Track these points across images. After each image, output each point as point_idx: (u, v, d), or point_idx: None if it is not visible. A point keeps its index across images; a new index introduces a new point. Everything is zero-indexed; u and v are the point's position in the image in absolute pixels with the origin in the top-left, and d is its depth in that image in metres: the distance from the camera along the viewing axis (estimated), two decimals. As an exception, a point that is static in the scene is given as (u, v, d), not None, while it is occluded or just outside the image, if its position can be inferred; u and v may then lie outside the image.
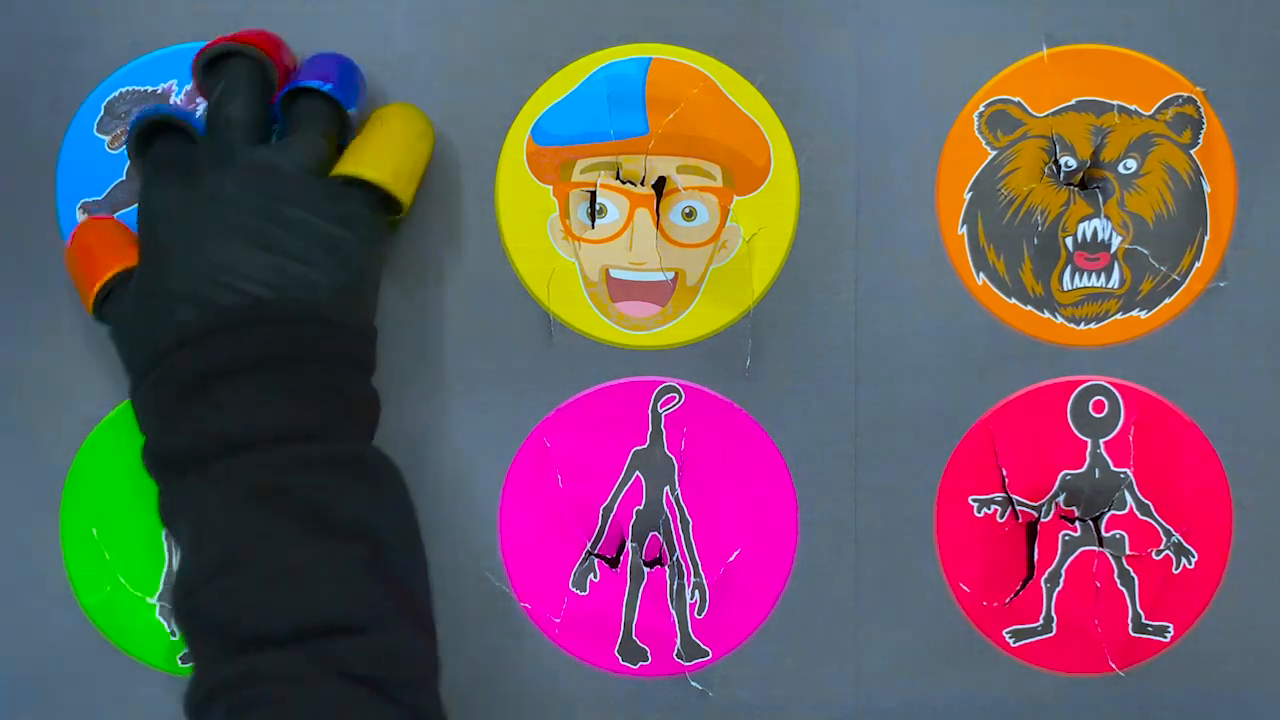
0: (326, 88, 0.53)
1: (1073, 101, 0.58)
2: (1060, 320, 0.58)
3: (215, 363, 0.48)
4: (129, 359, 0.51)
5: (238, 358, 0.48)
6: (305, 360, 0.49)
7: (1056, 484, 0.59)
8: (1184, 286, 0.58)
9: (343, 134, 0.54)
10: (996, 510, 0.59)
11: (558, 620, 0.59)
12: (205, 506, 0.47)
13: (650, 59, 0.58)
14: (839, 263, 0.58)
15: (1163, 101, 0.58)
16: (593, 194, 0.58)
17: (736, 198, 0.58)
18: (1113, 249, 0.58)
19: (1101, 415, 0.59)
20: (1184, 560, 0.59)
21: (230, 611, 0.45)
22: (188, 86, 0.57)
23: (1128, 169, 0.58)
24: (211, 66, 0.54)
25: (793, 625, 0.58)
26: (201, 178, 0.51)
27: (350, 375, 0.51)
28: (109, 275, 0.52)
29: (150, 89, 0.57)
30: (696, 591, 0.59)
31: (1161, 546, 0.59)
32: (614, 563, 0.59)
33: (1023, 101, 0.58)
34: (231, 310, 0.48)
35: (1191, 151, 0.58)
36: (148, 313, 0.50)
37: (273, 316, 0.49)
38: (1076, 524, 0.59)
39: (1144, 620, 0.59)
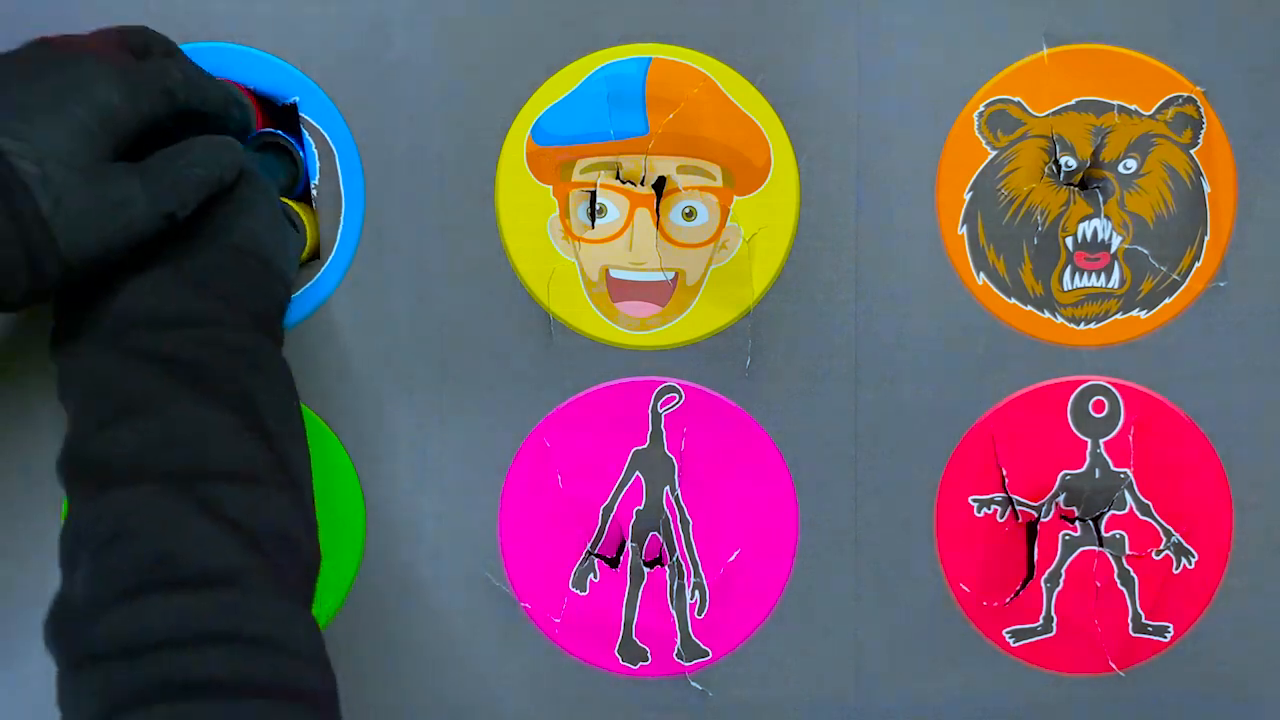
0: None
1: (1073, 101, 0.58)
2: (1060, 320, 0.58)
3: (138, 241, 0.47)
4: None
5: (156, 242, 0.48)
6: (215, 249, 0.49)
7: (1056, 484, 0.59)
8: (1184, 286, 0.58)
9: None
10: (996, 510, 0.59)
11: (558, 620, 0.59)
12: (98, 370, 0.47)
13: (650, 59, 0.58)
14: (839, 263, 0.58)
15: (1163, 101, 0.58)
16: (593, 194, 0.58)
17: (736, 198, 0.58)
18: (1113, 249, 0.58)
19: (1101, 415, 0.59)
20: (1184, 560, 0.59)
21: (111, 453, 0.45)
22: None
23: (1128, 169, 0.58)
24: None
25: (793, 625, 0.58)
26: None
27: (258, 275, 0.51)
28: None
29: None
30: (696, 591, 0.59)
31: (1161, 546, 0.59)
32: (614, 563, 0.59)
33: (1023, 101, 0.58)
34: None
35: (1191, 151, 0.58)
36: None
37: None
38: (1076, 524, 0.59)
39: (1144, 620, 0.59)
